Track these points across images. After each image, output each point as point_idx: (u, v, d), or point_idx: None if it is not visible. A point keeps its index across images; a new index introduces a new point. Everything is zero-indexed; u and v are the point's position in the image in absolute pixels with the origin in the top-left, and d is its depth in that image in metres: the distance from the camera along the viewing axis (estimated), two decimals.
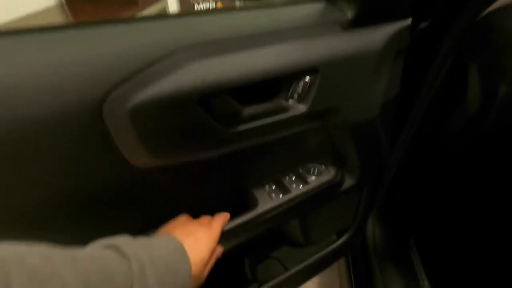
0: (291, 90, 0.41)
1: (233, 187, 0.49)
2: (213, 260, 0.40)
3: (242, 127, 0.38)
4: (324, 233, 0.72)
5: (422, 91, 0.63)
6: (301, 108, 0.41)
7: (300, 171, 0.54)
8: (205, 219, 0.43)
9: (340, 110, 0.45)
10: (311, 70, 0.39)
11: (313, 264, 0.73)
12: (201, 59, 0.31)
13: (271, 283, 0.68)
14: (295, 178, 0.52)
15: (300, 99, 0.41)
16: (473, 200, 0.88)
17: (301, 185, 0.51)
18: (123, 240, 0.30)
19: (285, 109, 0.41)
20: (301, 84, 0.40)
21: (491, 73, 0.53)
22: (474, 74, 0.57)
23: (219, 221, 0.43)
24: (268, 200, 0.49)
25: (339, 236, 0.77)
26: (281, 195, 0.50)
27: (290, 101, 0.41)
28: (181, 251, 0.33)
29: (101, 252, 0.28)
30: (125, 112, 0.29)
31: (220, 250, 0.43)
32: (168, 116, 0.32)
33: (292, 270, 0.70)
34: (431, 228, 0.96)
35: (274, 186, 0.51)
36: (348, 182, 0.59)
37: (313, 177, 0.52)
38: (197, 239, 0.37)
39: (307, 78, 0.40)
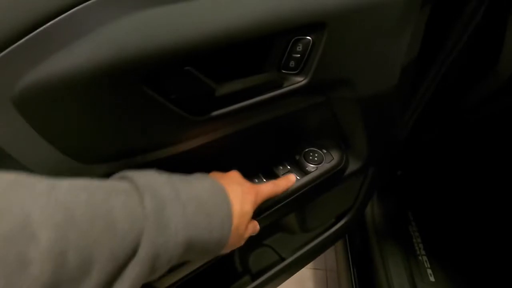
0: (285, 56, 0.29)
1: None
2: (249, 231, 0.32)
3: (217, 112, 0.26)
4: (322, 220, 0.64)
5: (444, 50, 0.52)
6: (299, 80, 0.30)
7: (297, 158, 0.43)
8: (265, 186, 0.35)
9: (350, 80, 0.34)
10: (315, 24, 0.27)
11: (310, 250, 0.67)
12: (127, 13, 0.19)
13: (266, 276, 0.61)
14: (291, 168, 0.42)
15: (298, 68, 0.29)
16: (477, 174, 0.83)
17: (298, 176, 0.41)
18: (142, 174, 0.22)
19: (276, 83, 0.29)
20: (299, 46, 0.28)
21: None
22: None
23: (268, 186, 0.35)
24: None
25: (338, 219, 0.70)
26: None
27: (284, 72, 0.29)
28: (222, 194, 0.26)
29: (103, 183, 0.20)
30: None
31: (257, 226, 0.34)
32: (83, 105, 0.20)
33: (288, 260, 0.64)
34: (431, 201, 0.92)
35: (264, 179, 0.41)
36: (353, 166, 0.50)
37: (313, 166, 0.42)
38: (245, 190, 0.29)
39: (309, 37, 0.28)
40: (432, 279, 0.81)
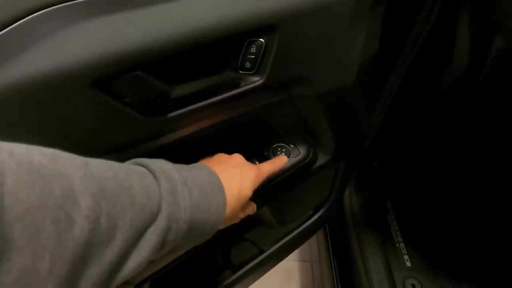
0: (240, 57, 0.30)
1: None
2: (247, 211, 0.36)
3: (175, 113, 0.28)
4: (298, 212, 0.66)
5: (405, 48, 0.54)
6: (256, 80, 0.31)
7: (266, 153, 0.45)
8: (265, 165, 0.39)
9: (307, 78, 0.36)
10: (267, 27, 0.29)
11: (290, 242, 0.69)
12: (75, 22, 0.20)
13: (246, 268, 0.63)
14: (259, 163, 0.44)
15: (254, 69, 0.31)
16: (452, 164, 0.87)
17: None
18: (154, 160, 0.26)
19: (233, 84, 0.31)
20: (253, 48, 0.30)
21: (485, 23, 0.45)
22: (465, 25, 0.48)
23: (268, 165, 0.39)
24: None
25: (316, 211, 0.72)
26: None
27: (240, 73, 0.31)
28: (217, 183, 0.29)
29: (123, 165, 0.23)
30: None
31: (254, 207, 0.38)
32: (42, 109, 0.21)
33: (268, 252, 0.66)
34: (409, 191, 0.96)
35: None
36: (322, 159, 0.52)
37: None
38: (245, 172, 0.33)
39: (262, 40, 0.30)
40: (408, 264, 0.84)
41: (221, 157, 0.36)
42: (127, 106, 0.24)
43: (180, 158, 0.36)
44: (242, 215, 0.35)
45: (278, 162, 0.41)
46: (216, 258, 0.67)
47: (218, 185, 0.29)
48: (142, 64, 0.23)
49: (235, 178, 0.31)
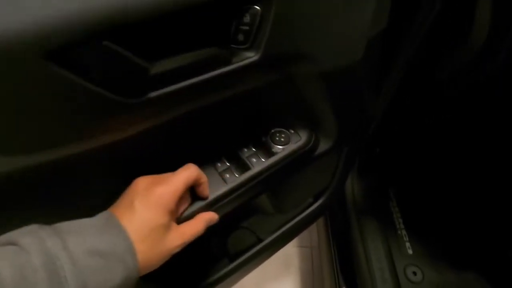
0: (232, 29, 0.26)
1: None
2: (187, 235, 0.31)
3: (156, 93, 0.24)
4: (298, 200, 0.64)
5: (415, 22, 0.49)
6: (250, 56, 0.27)
7: (263, 139, 0.42)
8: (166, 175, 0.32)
9: (310, 54, 0.32)
10: None
11: (289, 230, 0.67)
12: None
13: (244, 257, 0.61)
14: (256, 150, 0.41)
15: (248, 43, 0.27)
16: (456, 150, 0.84)
17: (263, 159, 0.40)
18: (25, 230, 0.23)
19: (224, 60, 0.27)
20: (246, 17, 0.26)
21: None
22: None
23: (181, 174, 0.31)
24: (221, 182, 0.37)
25: (316, 198, 0.70)
26: (238, 174, 0.38)
27: (232, 47, 0.27)
28: (116, 228, 0.25)
29: None
30: None
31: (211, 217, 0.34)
32: None
33: (266, 241, 0.64)
34: (411, 178, 0.93)
35: (228, 163, 0.39)
36: (324, 145, 0.49)
37: (279, 147, 0.41)
38: (150, 196, 0.28)
39: (256, 8, 0.25)
40: (410, 251, 0.83)
41: (127, 201, 0.29)
42: (94, 84, 0.20)
43: (163, 146, 0.32)
44: (181, 242, 0.30)
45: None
46: (213, 247, 0.65)
47: (117, 233, 0.25)
48: (110, 32, 0.19)
49: (138, 213, 0.27)
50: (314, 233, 1.24)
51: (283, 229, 0.65)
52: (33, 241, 0.21)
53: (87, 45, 0.19)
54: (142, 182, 0.29)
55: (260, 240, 0.64)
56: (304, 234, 1.24)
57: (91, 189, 0.31)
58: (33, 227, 0.23)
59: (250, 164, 0.39)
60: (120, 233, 0.25)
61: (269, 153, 0.41)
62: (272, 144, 0.41)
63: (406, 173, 0.95)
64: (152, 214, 0.27)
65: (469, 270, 0.77)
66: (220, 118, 0.34)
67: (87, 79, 0.20)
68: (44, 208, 0.29)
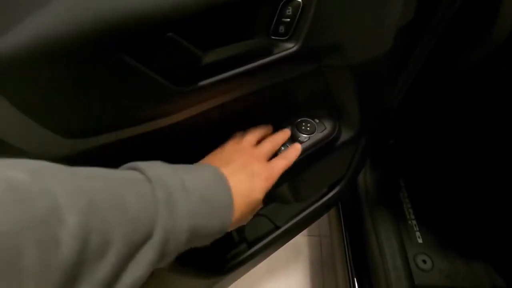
0: (274, 21, 0.27)
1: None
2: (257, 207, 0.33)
3: (204, 82, 0.25)
4: (315, 189, 0.65)
5: (438, 13, 0.50)
6: (290, 47, 0.28)
7: (290, 128, 0.43)
8: (265, 148, 0.35)
9: (343, 46, 0.33)
10: None
11: (305, 218, 0.69)
12: None
13: (262, 244, 0.63)
14: None
15: (288, 34, 0.28)
16: (467, 142, 0.85)
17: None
18: (150, 164, 0.24)
19: (266, 50, 0.28)
20: (289, 9, 0.27)
21: None
22: None
23: (280, 162, 0.36)
24: None
25: (331, 188, 0.71)
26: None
27: (274, 38, 0.28)
28: (223, 184, 0.28)
29: (116, 172, 0.22)
30: None
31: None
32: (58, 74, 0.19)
33: (283, 228, 0.66)
34: (421, 168, 0.95)
35: None
36: (345, 135, 0.50)
37: (305, 136, 0.42)
38: (256, 175, 0.31)
39: (298, 1, 0.26)
40: (420, 241, 0.85)
41: (226, 153, 0.33)
42: (156, 73, 0.22)
43: (207, 131, 0.34)
44: (250, 217, 0.33)
45: (291, 156, 0.38)
46: (232, 233, 0.67)
47: (223, 188, 0.27)
48: (174, 25, 0.20)
49: (243, 184, 0.29)
50: (323, 222, 1.26)
51: (299, 217, 0.67)
52: (157, 173, 0.23)
53: (155, 37, 0.20)
54: (246, 149, 0.33)
55: (278, 227, 0.66)
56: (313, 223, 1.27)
57: None
58: (157, 163, 0.25)
59: (277, 152, 0.41)
60: (226, 190, 0.27)
61: (296, 141, 0.42)
62: (299, 133, 0.43)
63: (417, 165, 0.96)
64: (258, 191, 0.30)
65: (478, 259, 0.79)
66: (257, 107, 0.35)
67: (151, 69, 0.21)
68: None
